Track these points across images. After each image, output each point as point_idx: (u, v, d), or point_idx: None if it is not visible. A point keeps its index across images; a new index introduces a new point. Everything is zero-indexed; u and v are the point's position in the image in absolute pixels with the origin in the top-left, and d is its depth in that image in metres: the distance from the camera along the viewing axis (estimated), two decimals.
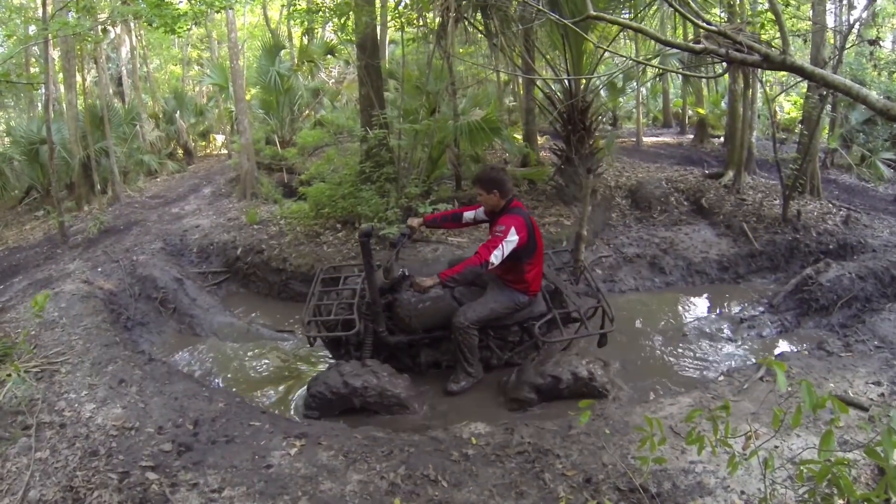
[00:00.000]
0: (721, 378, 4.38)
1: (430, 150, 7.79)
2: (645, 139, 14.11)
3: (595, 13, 3.02)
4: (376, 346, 4.63)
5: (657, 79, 15.92)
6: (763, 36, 8.53)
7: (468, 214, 4.69)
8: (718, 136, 14.33)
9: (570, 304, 4.63)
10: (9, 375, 4.31)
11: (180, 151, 16.48)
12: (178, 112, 16.31)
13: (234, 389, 4.87)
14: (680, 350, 5.47)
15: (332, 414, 4.27)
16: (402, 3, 9.20)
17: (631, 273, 7.18)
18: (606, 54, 8.82)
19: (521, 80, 11.12)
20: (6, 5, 14.26)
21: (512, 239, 4.06)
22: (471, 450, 3.37)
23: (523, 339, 4.77)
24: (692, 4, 3.61)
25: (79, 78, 12.58)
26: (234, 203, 10.24)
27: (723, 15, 9.50)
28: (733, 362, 5.22)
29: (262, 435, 3.58)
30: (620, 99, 15.22)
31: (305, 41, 16.14)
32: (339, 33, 9.58)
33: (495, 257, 4.01)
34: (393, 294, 4.58)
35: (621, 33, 8.73)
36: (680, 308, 6.64)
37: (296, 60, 15.56)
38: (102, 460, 3.33)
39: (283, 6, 18.62)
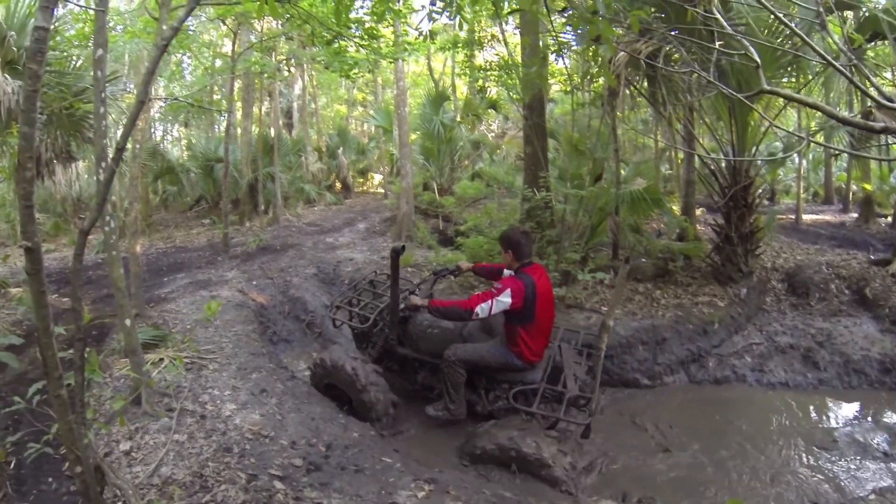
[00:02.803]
0: (872, 497, 3.88)
1: (592, 216, 7.65)
2: (804, 216, 13.08)
3: (769, 88, 2.89)
4: (386, 351, 5.09)
5: (822, 151, 14.78)
6: None
7: (507, 272, 4.71)
8: (886, 216, 12.85)
9: (563, 385, 4.49)
10: (161, 360, 4.77)
11: (339, 185, 17.68)
12: (341, 148, 17.60)
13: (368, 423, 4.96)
14: (827, 458, 4.89)
15: (320, 386, 4.86)
16: (575, 66, 9.21)
17: (782, 364, 6.55)
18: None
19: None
20: (198, 41, 16.35)
21: (503, 300, 4.10)
22: None
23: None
24: (870, 79, 3.27)
25: (255, 108, 14.07)
26: (388, 242, 10.55)
27: (889, 77, 8.64)
28: (886, 480, 4.57)
29: (392, 472, 3.59)
30: (779, 171, 14.28)
31: (469, 94, 16.78)
32: (508, 91, 9.76)
33: (481, 309, 4.10)
34: (411, 311, 4.94)
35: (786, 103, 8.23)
36: (832, 410, 5.95)
37: (459, 112, 16.12)
38: (234, 458, 3.50)
39: (446, 58, 19.60)
